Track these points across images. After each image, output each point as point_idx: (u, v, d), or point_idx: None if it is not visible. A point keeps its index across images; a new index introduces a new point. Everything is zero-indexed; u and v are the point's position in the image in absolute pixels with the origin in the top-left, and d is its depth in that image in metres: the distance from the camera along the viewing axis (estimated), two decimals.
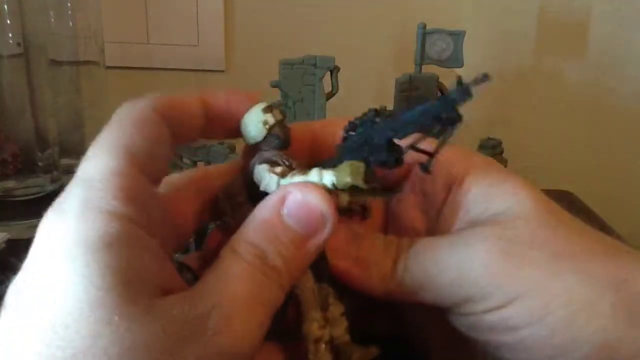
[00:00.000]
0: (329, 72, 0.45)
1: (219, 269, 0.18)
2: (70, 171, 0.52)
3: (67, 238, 0.17)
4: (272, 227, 0.19)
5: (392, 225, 0.28)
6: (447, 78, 0.50)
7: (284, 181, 0.21)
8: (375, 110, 0.22)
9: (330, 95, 0.46)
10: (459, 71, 0.48)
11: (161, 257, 0.18)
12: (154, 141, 0.20)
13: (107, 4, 0.55)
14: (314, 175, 0.21)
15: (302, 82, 0.44)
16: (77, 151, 0.53)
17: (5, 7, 0.43)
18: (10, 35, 0.43)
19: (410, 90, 0.46)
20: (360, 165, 0.20)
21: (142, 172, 0.19)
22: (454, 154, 0.25)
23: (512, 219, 0.23)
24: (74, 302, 0.16)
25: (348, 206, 0.22)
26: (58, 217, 0.18)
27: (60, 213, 0.18)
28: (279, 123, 0.23)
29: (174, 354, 0.16)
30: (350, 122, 0.23)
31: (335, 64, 0.45)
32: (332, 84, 0.46)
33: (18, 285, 0.17)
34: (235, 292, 0.18)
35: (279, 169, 0.22)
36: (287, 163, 0.23)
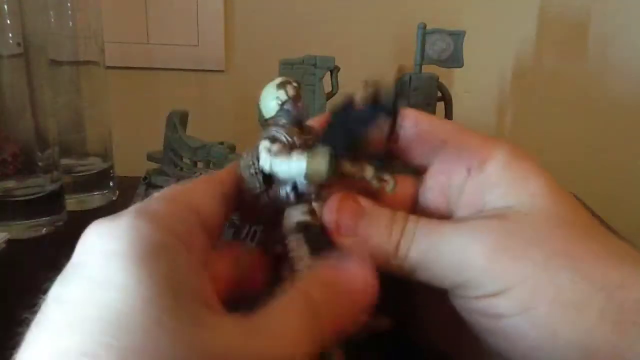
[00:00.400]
0: (329, 72, 0.46)
1: (276, 311, 0.20)
2: (70, 171, 0.52)
3: (118, 240, 0.18)
4: (331, 290, 0.21)
5: (418, 205, 0.28)
6: (447, 78, 0.50)
7: (276, 160, 0.23)
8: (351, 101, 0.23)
9: (330, 95, 0.46)
10: (459, 71, 0.48)
11: (202, 274, 0.20)
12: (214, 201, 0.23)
13: (107, 4, 0.55)
14: (293, 156, 0.22)
15: (302, 82, 0.45)
16: (77, 151, 0.53)
17: (5, 7, 0.43)
18: (10, 35, 0.43)
19: (410, 90, 0.46)
20: (322, 161, 0.22)
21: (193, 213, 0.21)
22: (482, 138, 0.26)
23: (521, 214, 0.23)
24: (129, 300, 0.16)
25: (374, 179, 0.24)
26: (110, 220, 0.19)
27: (113, 217, 0.19)
28: (292, 99, 0.24)
29: None
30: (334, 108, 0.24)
31: (335, 64, 0.45)
32: (332, 84, 0.46)
33: (67, 278, 0.18)
34: (290, 336, 0.19)
35: (275, 148, 0.23)
36: (289, 139, 0.23)
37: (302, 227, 0.24)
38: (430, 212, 0.27)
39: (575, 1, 0.67)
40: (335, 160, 0.22)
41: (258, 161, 0.24)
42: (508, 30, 0.67)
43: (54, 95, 0.49)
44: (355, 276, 0.22)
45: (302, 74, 0.44)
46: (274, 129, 0.24)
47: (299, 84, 0.25)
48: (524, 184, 0.24)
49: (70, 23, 0.50)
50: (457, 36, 0.46)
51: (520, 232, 0.23)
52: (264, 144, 0.23)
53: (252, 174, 0.24)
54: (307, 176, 0.22)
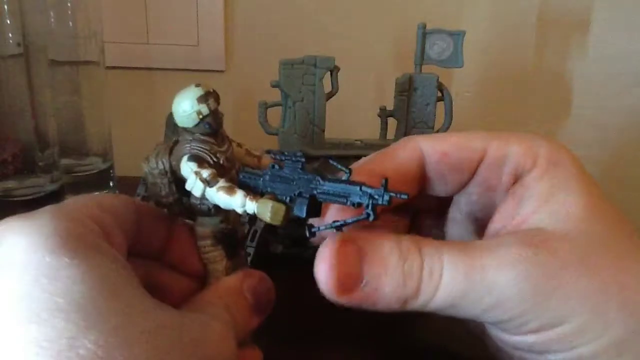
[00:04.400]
0: (329, 72, 0.45)
1: (199, 309, 0.22)
2: (70, 171, 0.52)
3: (43, 236, 0.18)
4: (235, 294, 0.24)
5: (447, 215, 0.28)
6: (447, 78, 0.50)
7: (209, 191, 0.22)
8: (306, 156, 0.23)
9: (330, 95, 0.46)
10: (459, 71, 0.48)
11: (126, 264, 0.20)
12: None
13: (107, 4, 0.55)
14: (238, 199, 0.22)
15: (302, 82, 0.44)
16: (77, 151, 0.53)
17: (5, 7, 0.43)
18: (10, 35, 0.43)
19: (410, 90, 0.46)
20: (281, 209, 0.22)
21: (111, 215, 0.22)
22: (525, 146, 0.24)
23: (560, 237, 0.22)
24: (78, 288, 0.17)
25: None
26: (26, 218, 0.20)
27: (27, 216, 0.20)
28: (213, 112, 0.24)
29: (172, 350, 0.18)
30: (278, 153, 0.24)
31: (335, 64, 0.45)
32: (332, 84, 0.46)
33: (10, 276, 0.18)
34: (218, 317, 0.22)
35: (206, 174, 0.23)
36: (214, 159, 0.23)
37: (222, 234, 0.25)
38: (459, 223, 0.26)
39: (575, 1, 0.67)
40: (288, 212, 0.22)
41: (172, 169, 0.24)
42: (508, 30, 0.67)
43: (54, 95, 0.49)
44: (259, 283, 0.25)
45: (302, 74, 0.44)
46: (195, 145, 0.23)
47: (217, 93, 0.24)
48: (564, 202, 0.22)
49: (70, 23, 0.50)
50: (457, 36, 0.46)
51: (563, 262, 0.21)
52: (190, 166, 0.23)
53: (165, 183, 0.24)
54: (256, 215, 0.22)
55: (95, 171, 0.54)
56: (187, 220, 0.26)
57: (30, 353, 0.16)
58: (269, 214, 0.21)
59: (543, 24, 0.67)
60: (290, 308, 0.26)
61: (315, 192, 0.22)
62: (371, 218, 0.21)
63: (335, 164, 0.23)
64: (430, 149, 0.25)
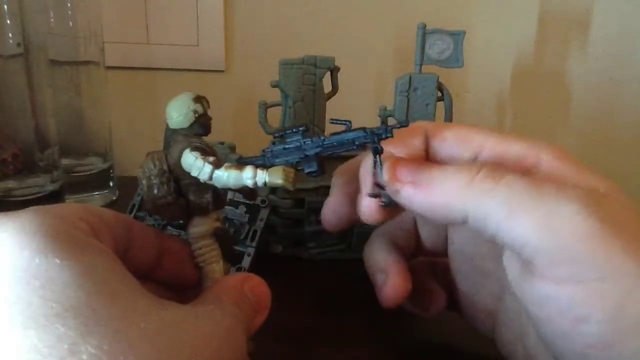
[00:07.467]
0: (329, 72, 0.45)
1: (207, 306, 0.22)
2: (70, 171, 0.52)
3: (32, 234, 0.18)
4: (240, 292, 0.24)
5: None
6: (447, 78, 0.50)
7: (218, 172, 0.24)
8: (305, 125, 0.26)
9: (330, 95, 0.46)
10: (459, 71, 0.48)
11: (121, 264, 0.20)
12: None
13: (107, 4, 0.55)
14: (248, 172, 0.23)
15: (302, 82, 0.44)
16: (77, 151, 0.53)
17: (5, 7, 0.43)
18: (10, 35, 0.43)
19: (410, 90, 0.46)
20: (291, 171, 0.24)
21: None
22: (523, 144, 0.24)
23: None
24: (72, 292, 0.17)
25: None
26: (11, 215, 0.19)
27: (11, 214, 0.19)
28: (205, 113, 0.25)
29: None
30: (279, 132, 0.27)
31: (335, 64, 0.45)
32: (332, 84, 0.46)
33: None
34: (227, 312, 0.22)
35: (211, 158, 0.24)
36: (207, 150, 0.25)
37: (219, 233, 0.26)
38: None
39: (575, 1, 0.67)
40: (297, 175, 0.24)
41: (169, 168, 0.25)
42: (508, 30, 0.67)
43: (54, 95, 0.49)
44: (258, 285, 0.25)
45: (302, 74, 0.44)
46: (194, 140, 0.25)
47: (207, 99, 0.26)
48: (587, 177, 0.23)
49: (70, 23, 0.50)
50: (457, 36, 0.46)
51: (622, 220, 0.21)
52: (194, 154, 0.24)
53: (164, 181, 0.25)
54: (268, 184, 0.24)
55: (95, 171, 0.54)
56: (175, 233, 0.27)
57: None
58: (281, 178, 0.23)
59: (543, 24, 0.67)
60: (289, 308, 0.25)
61: (321, 148, 0.25)
62: (379, 150, 0.25)
63: (335, 120, 0.26)
64: (432, 131, 0.27)
